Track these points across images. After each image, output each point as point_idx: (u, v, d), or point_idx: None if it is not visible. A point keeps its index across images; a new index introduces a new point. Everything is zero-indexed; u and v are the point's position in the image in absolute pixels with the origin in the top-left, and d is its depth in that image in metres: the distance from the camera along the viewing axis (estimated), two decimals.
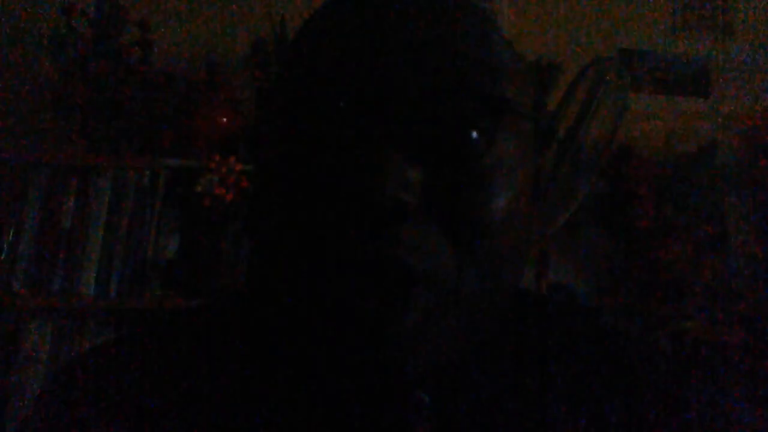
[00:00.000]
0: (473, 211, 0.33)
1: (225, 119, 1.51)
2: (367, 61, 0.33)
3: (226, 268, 1.44)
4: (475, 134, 0.33)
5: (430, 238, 0.32)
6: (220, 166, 1.41)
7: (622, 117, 1.50)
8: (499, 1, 1.80)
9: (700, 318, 1.58)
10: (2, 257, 1.39)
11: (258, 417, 0.36)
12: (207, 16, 1.68)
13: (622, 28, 1.85)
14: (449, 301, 0.32)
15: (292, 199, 0.33)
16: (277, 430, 0.36)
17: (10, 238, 1.40)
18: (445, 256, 0.32)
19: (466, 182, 0.33)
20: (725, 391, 0.40)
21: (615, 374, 0.39)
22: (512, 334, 0.40)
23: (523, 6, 1.82)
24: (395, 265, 0.31)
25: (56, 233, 1.41)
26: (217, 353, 0.39)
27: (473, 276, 0.33)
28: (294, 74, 0.36)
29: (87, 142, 1.46)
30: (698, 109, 1.85)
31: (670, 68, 1.86)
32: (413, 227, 0.31)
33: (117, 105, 1.45)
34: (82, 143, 1.46)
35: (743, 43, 1.90)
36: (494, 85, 0.35)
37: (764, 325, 1.59)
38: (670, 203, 1.61)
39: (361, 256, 0.31)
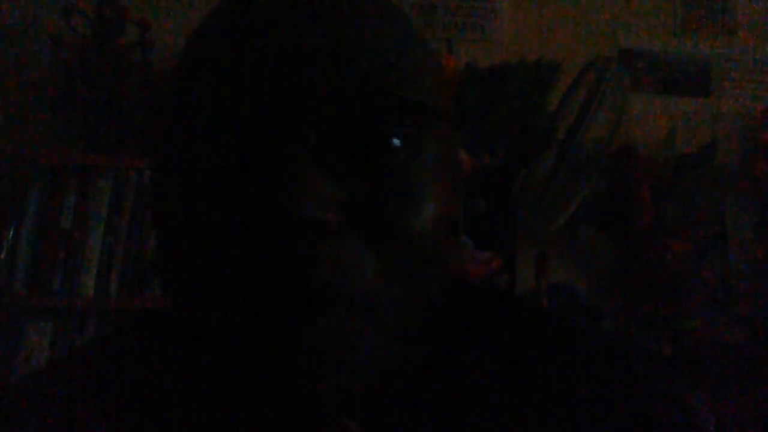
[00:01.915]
0: (399, 223, 0.31)
1: None
2: (273, 72, 0.30)
3: None
4: (395, 141, 0.31)
5: (352, 255, 0.30)
6: None
7: (622, 117, 1.50)
8: (499, 1, 1.80)
9: (700, 318, 1.58)
10: (2, 257, 1.39)
11: None
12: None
13: (622, 28, 1.85)
14: (373, 319, 0.30)
15: (202, 219, 0.31)
16: None
17: (10, 238, 1.40)
18: (369, 272, 0.30)
19: (390, 193, 0.31)
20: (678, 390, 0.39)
21: (563, 378, 0.37)
22: (445, 344, 0.38)
23: (523, 6, 1.82)
24: (314, 287, 0.29)
25: (56, 233, 1.41)
26: (139, 382, 0.37)
27: (398, 291, 0.31)
28: (193, 83, 0.33)
29: (87, 142, 1.46)
30: (698, 109, 1.85)
31: (670, 68, 1.86)
32: (334, 245, 0.29)
33: (117, 105, 1.45)
34: (82, 143, 1.46)
35: (744, 43, 1.90)
36: (412, 88, 0.33)
37: (764, 325, 1.59)
38: (670, 203, 1.61)
39: (277, 278, 0.29)
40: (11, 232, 1.40)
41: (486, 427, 0.35)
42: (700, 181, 1.65)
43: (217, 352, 0.32)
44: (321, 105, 0.30)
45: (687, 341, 1.56)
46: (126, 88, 1.45)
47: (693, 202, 1.63)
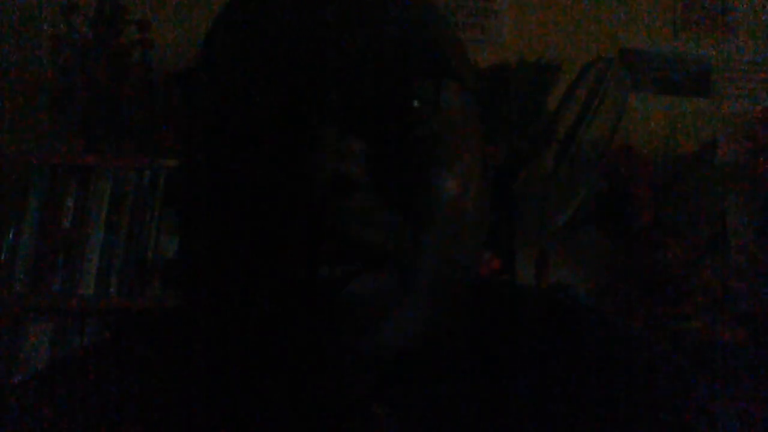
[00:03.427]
0: (425, 180, 0.32)
1: None
2: (292, 31, 0.31)
3: None
4: (415, 98, 0.32)
5: (381, 211, 0.30)
6: None
7: (622, 117, 1.50)
8: (499, 1, 1.80)
9: (700, 318, 1.58)
10: (2, 257, 1.39)
11: None
12: (207, 16, 1.67)
13: (622, 28, 1.85)
14: (406, 278, 0.31)
15: (232, 188, 0.32)
16: None
17: (10, 238, 1.40)
18: (400, 229, 0.31)
19: (413, 150, 0.32)
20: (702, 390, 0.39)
21: (589, 370, 0.37)
22: (475, 331, 0.38)
23: (523, 6, 1.82)
24: (342, 238, 0.29)
25: (56, 233, 1.41)
26: (161, 370, 0.38)
27: (431, 253, 0.31)
28: (220, 58, 0.34)
29: (87, 142, 1.46)
30: (698, 109, 1.85)
31: (671, 68, 1.86)
32: (361, 200, 0.30)
33: (117, 105, 1.45)
34: (82, 143, 1.46)
35: (743, 43, 1.90)
36: (433, 48, 0.33)
37: (764, 325, 1.59)
38: (670, 203, 1.61)
39: (308, 233, 0.29)
40: (11, 232, 1.40)
41: (513, 423, 0.35)
42: (700, 181, 1.65)
43: (242, 337, 0.33)
44: (345, 67, 0.31)
45: (687, 341, 1.56)
46: (126, 88, 1.45)
47: (693, 202, 1.63)
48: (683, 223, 1.61)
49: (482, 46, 1.76)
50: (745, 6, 1.91)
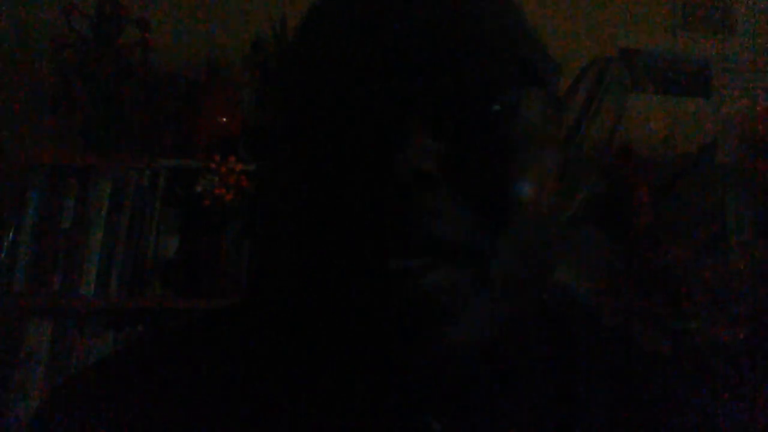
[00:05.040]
0: (501, 180, 0.32)
1: (225, 119, 1.51)
2: (382, 30, 0.32)
3: (226, 268, 1.44)
4: (497, 100, 0.33)
5: (457, 208, 0.31)
6: (220, 166, 1.41)
7: (622, 117, 1.49)
8: None
9: (700, 318, 1.58)
10: (2, 257, 1.39)
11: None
12: (207, 16, 1.68)
13: (622, 27, 1.85)
14: (480, 276, 0.31)
15: (311, 186, 0.32)
16: None
17: (10, 238, 1.40)
18: (475, 227, 0.31)
19: (492, 150, 0.32)
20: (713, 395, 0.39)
21: (646, 397, 0.38)
22: (536, 346, 0.39)
23: (523, 6, 1.82)
24: (420, 232, 0.30)
25: (56, 233, 1.41)
26: (221, 369, 0.37)
27: (505, 252, 0.32)
28: (306, 56, 0.35)
29: (87, 142, 1.46)
30: (698, 109, 1.85)
31: (670, 68, 1.86)
32: (438, 196, 0.30)
33: (117, 105, 1.45)
34: (82, 143, 1.46)
35: (743, 43, 1.90)
36: (518, 53, 0.34)
37: (764, 325, 1.58)
38: (670, 203, 1.61)
39: (386, 226, 0.30)
40: (11, 232, 1.40)
41: None
42: (700, 181, 1.65)
43: (312, 335, 0.33)
44: (428, 65, 0.31)
45: (687, 341, 1.55)
46: (126, 88, 1.45)
47: (693, 202, 1.63)
48: (683, 223, 1.61)
49: None
50: (745, 6, 1.91)
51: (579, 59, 1.57)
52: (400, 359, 0.31)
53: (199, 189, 1.41)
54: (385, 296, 0.30)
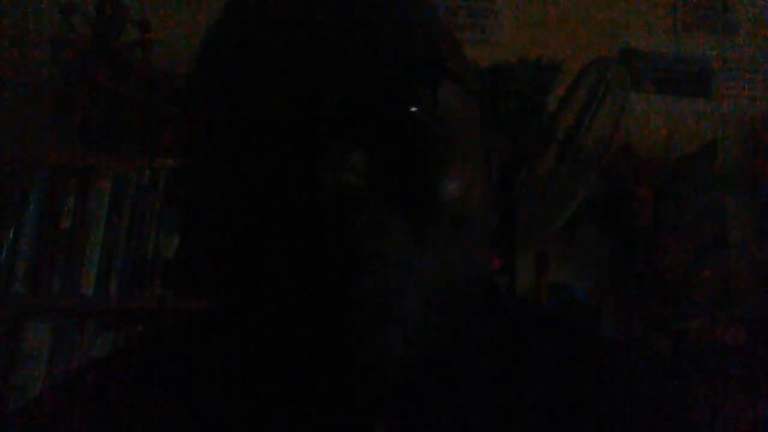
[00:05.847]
0: (425, 185, 0.31)
1: None
2: (293, 39, 0.31)
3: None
4: (414, 104, 0.32)
5: (383, 220, 0.30)
6: None
7: (622, 117, 1.50)
8: (499, 1, 1.80)
9: (700, 318, 1.58)
10: (2, 257, 1.39)
11: None
12: (207, 16, 1.68)
13: (622, 28, 1.85)
14: (409, 285, 0.30)
15: (232, 200, 0.32)
16: None
17: (10, 238, 1.40)
18: (401, 236, 0.30)
19: (413, 156, 0.31)
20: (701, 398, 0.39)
21: (598, 391, 0.37)
22: (482, 345, 0.38)
23: (523, 6, 1.82)
24: (345, 249, 0.29)
25: (56, 233, 1.41)
26: (180, 383, 0.38)
27: (433, 258, 0.31)
28: (218, 67, 0.34)
29: (87, 142, 1.46)
30: (698, 109, 1.85)
31: (671, 68, 1.86)
32: (362, 210, 0.29)
33: (117, 105, 1.45)
34: (82, 143, 1.46)
35: (744, 43, 1.90)
36: (430, 51, 0.33)
37: (764, 325, 1.59)
38: (670, 203, 1.61)
39: (309, 245, 0.29)
40: (11, 232, 1.40)
41: None
42: (700, 181, 1.65)
43: (260, 341, 0.33)
44: (341, 73, 0.30)
45: (687, 341, 1.56)
46: (126, 88, 1.45)
47: (693, 202, 1.63)
48: (683, 223, 1.61)
49: (482, 46, 1.76)
50: (745, 6, 1.91)
51: (579, 59, 1.57)
52: (344, 361, 0.30)
53: None
54: (310, 308, 0.30)
